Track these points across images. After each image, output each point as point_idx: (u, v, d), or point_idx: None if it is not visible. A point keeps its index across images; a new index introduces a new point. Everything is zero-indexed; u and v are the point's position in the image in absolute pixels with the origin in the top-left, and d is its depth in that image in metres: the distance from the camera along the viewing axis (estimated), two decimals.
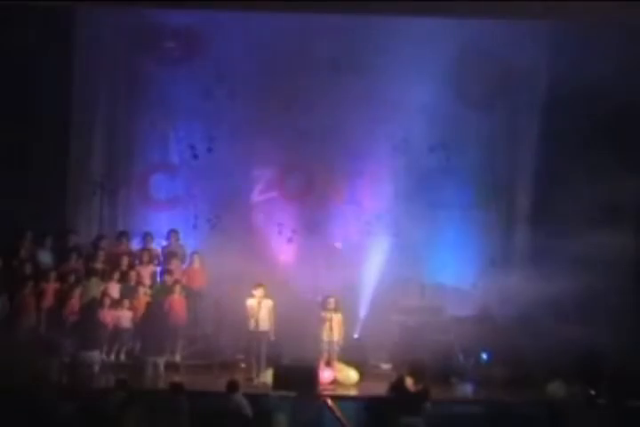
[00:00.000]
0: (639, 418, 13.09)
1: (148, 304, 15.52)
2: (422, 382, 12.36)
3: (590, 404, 13.53)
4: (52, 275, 15.51)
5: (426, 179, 17.73)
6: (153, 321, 15.25)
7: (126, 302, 15.54)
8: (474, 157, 17.79)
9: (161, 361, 15.11)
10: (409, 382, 12.32)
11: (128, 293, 15.80)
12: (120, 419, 12.10)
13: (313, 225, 17.68)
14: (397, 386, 12.37)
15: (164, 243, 17.01)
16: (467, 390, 15.21)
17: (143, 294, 15.71)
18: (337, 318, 15.32)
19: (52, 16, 16.38)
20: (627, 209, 16.71)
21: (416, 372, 12.42)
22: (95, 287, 15.71)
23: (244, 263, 16.34)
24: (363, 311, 15.79)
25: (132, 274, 16.05)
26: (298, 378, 14.03)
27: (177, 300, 15.82)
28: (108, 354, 15.36)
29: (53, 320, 15.26)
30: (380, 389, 14.42)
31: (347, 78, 17.40)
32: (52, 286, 15.41)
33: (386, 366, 16.03)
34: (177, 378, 14.40)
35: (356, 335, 16.10)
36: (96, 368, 14.79)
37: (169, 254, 16.60)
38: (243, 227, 17.39)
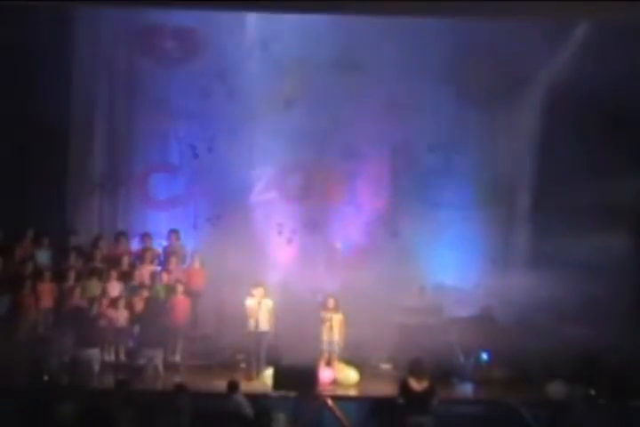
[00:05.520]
0: (639, 418, 13.10)
1: (149, 303, 15.49)
2: (426, 381, 12.36)
3: (590, 404, 13.54)
4: (51, 274, 15.49)
5: (426, 179, 17.73)
6: (153, 318, 15.23)
7: (126, 302, 15.52)
8: (474, 156, 17.77)
9: (159, 356, 15.07)
10: (412, 382, 12.32)
11: (128, 292, 15.80)
12: (120, 419, 12.10)
13: (313, 225, 17.68)
14: (402, 388, 12.36)
15: (164, 243, 17.01)
16: (467, 390, 15.21)
17: (144, 294, 15.69)
18: (337, 318, 15.33)
19: (52, 16, 16.37)
20: (628, 209, 16.70)
21: (417, 371, 12.41)
22: (94, 287, 15.71)
23: (244, 263, 16.35)
24: (363, 311, 15.77)
25: (133, 274, 16.05)
26: (298, 378, 14.02)
27: (181, 300, 15.83)
28: (107, 353, 15.36)
29: (53, 320, 15.26)
30: (381, 389, 14.52)
31: (347, 78, 17.40)
32: (51, 286, 15.40)
33: (386, 366, 16.03)
34: (177, 378, 14.40)
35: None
36: (96, 367, 14.78)
37: (169, 254, 16.60)
38: (243, 227, 17.38)
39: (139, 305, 15.50)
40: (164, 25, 17.60)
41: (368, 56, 17.42)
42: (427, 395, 12.30)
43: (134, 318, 15.43)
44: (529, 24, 16.53)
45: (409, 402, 12.20)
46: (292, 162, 17.83)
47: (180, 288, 15.83)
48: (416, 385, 12.30)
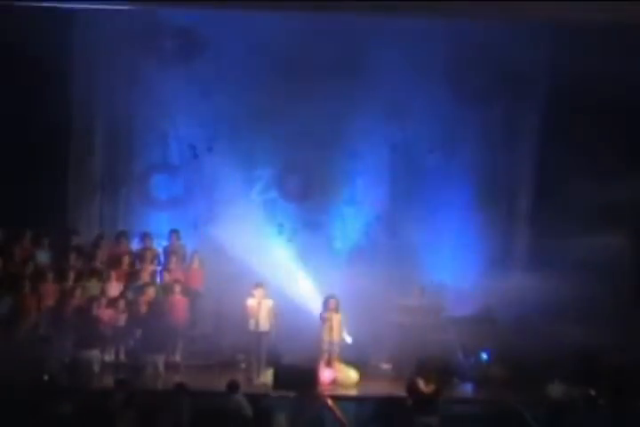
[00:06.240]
0: (639, 418, 13.09)
1: (149, 303, 15.50)
2: (434, 382, 12.37)
3: (590, 404, 13.53)
4: (52, 275, 15.50)
5: (426, 179, 17.74)
6: (153, 320, 15.24)
7: (125, 302, 15.50)
8: (474, 156, 17.79)
9: (160, 360, 15.09)
10: (420, 383, 12.33)
11: (128, 292, 15.79)
12: (120, 419, 12.10)
13: (313, 225, 17.69)
14: (410, 388, 12.38)
15: (164, 243, 17.01)
16: (467, 390, 15.20)
17: (144, 294, 15.68)
18: (337, 318, 15.32)
19: (52, 16, 16.38)
20: (627, 209, 16.70)
21: (425, 372, 12.43)
22: (94, 287, 15.70)
23: (244, 263, 16.36)
24: (363, 311, 15.77)
25: (134, 274, 16.05)
26: (298, 378, 14.03)
27: (178, 300, 15.81)
28: (107, 353, 15.35)
29: (53, 320, 15.25)
30: (381, 389, 14.52)
31: (347, 78, 17.40)
32: (51, 286, 15.40)
33: (386, 366, 16.04)
34: (177, 378, 14.39)
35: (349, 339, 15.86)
36: (96, 368, 14.78)
37: (169, 254, 16.60)
38: (243, 227, 17.40)
39: (139, 305, 15.47)
40: (165, 25, 17.60)
41: (368, 56, 17.42)
42: (434, 396, 12.32)
43: (136, 318, 15.41)
44: (529, 24, 16.54)
45: (416, 403, 12.21)
46: (292, 162, 17.85)
47: (177, 288, 15.81)
48: (424, 386, 12.31)
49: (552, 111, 17.33)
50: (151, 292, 15.61)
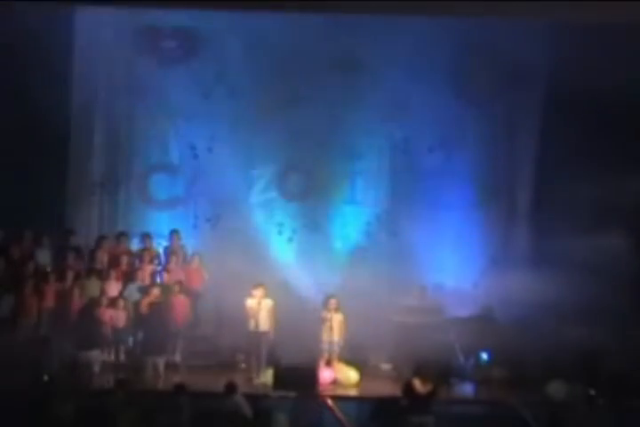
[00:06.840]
0: (639, 418, 13.09)
1: (150, 304, 15.49)
2: (431, 383, 12.38)
3: (590, 404, 13.53)
4: (52, 275, 15.50)
5: (426, 179, 17.74)
6: (154, 321, 15.24)
7: (124, 302, 15.49)
8: (474, 156, 17.79)
9: (161, 361, 15.11)
10: (417, 384, 12.33)
11: (129, 292, 15.78)
12: (120, 419, 12.10)
13: (313, 225, 17.69)
14: (407, 389, 12.39)
15: (164, 243, 17.00)
16: (467, 390, 15.20)
17: (143, 294, 15.68)
18: (338, 319, 15.32)
19: (52, 16, 16.36)
20: (628, 208, 16.69)
21: (423, 373, 12.43)
22: (94, 286, 15.70)
23: (244, 263, 16.36)
24: (363, 311, 15.78)
25: (132, 274, 16.05)
26: (298, 378, 14.04)
27: (180, 300, 15.81)
28: (107, 354, 15.35)
29: (53, 320, 15.25)
30: (381, 389, 14.52)
31: (347, 78, 17.41)
32: (52, 287, 15.40)
33: (386, 367, 16.05)
34: (177, 378, 14.40)
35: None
36: (96, 368, 14.79)
37: (170, 254, 16.59)
38: (243, 227, 17.40)
39: (139, 305, 15.46)
40: (164, 25, 17.59)
41: (368, 56, 17.43)
42: (430, 396, 12.32)
43: (137, 319, 15.39)
44: (529, 24, 16.54)
45: (412, 403, 12.22)
46: (292, 162, 17.84)
47: (176, 288, 15.81)
48: (420, 387, 12.31)
49: (552, 110, 17.30)
50: (156, 293, 15.59)
